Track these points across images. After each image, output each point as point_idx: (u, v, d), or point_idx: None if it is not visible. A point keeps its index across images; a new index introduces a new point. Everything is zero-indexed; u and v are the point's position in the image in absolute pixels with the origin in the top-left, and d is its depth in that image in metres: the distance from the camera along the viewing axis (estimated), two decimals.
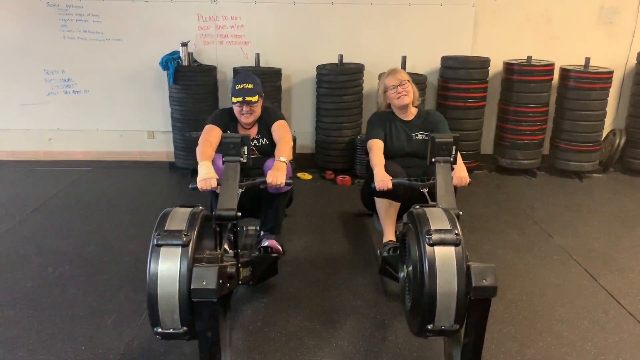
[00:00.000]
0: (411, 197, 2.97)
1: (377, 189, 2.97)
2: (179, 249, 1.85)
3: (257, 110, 3.23)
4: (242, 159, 2.50)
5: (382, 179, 2.97)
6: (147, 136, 5.43)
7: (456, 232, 1.90)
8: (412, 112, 3.48)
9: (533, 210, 4.30)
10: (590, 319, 2.81)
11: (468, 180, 2.97)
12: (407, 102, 3.39)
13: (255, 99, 3.13)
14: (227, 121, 3.27)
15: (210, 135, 3.11)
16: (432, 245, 1.89)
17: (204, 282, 1.79)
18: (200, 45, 5.10)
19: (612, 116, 5.29)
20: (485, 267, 1.83)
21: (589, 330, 2.70)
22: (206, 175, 2.76)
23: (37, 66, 5.15)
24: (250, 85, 3.13)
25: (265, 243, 3.16)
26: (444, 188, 2.36)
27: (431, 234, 1.90)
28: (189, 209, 2.02)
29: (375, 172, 3.08)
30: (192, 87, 4.86)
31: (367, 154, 3.43)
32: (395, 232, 3.19)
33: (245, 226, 3.52)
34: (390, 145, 3.39)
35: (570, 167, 5.03)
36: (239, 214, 2.33)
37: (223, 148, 2.50)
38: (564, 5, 5.06)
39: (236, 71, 4.95)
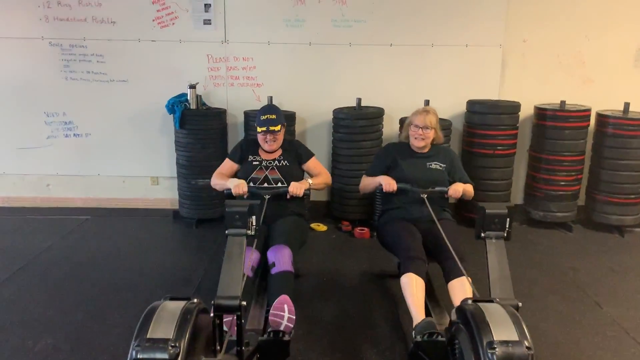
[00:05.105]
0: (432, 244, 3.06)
1: (384, 190, 3.22)
2: None
3: (280, 138, 3.44)
4: (249, 232, 2.11)
5: (388, 182, 3.22)
6: (151, 182, 5.10)
7: (527, 344, 1.48)
8: (427, 147, 3.45)
9: (574, 272, 3.85)
10: None
11: (459, 195, 3.23)
12: (421, 145, 3.37)
13: (278, 128, 3.35)
14: (250, 148, 3.51)
15: (224, 169, 3.49)
16: None
17: None
18: (209, 88, 4.81)
19: None
20: None
21: None
22: (238, 182, 3.23)
23: (36, 108, 4.88)
24: (274, 116, 3.35)
25: (277, 299, 2.67)
26: (498, 271, 1.95)
27: (495, 348, 1.47)
28: (180, 304, 1.61)
29: (379, 179, 3.29)
30: (200, 132, 4.53)
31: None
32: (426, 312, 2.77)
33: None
34: (403, 174, 3.33)
35: (610, 221, 4.59)
36: (244, 303, 1.92)
37: (227, 218, 2.12)
38: (598, 47, 4.73)
39: (247, 114, 4.64)
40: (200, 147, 4.54)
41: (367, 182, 3.44)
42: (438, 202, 3.27)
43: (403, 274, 2.84)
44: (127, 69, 4.78)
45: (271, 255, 2.98)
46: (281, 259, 2.93)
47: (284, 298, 2.67)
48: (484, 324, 1.56)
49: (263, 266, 3.25)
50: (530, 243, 4.41)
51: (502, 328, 1.55)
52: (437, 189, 3.22)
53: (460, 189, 3.22)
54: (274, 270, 2.91)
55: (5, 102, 4.86)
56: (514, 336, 1.52)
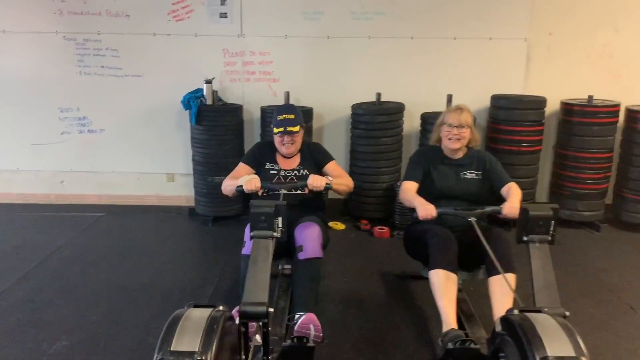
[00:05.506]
0: (467, 248, 2.74)
1: (420, 218, 2.76)
2: None
3: (298, 140, 3.15)
4: (275, 234, 2.00)
5: (426, 208, 2.77)
6: (167, 179, 5.01)
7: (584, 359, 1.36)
8: (462, 152, 3.14)
9: (605, 273, 3.71)
10: None
11: (517, 212, 2.52)
12: (456, 147, 3.06)
13: (296, 129, 3.07)
14: (266, 153, 3.20)
15: (237, 174, 3.08)
16: None
17: None
18: (225, 83, 4.70)
19: None
20: None
21: None
22: (249, 177, 2.88)
23: (50, 103, 4.81)
24: (292, 116, 3.09)
25: (302, 318, 2.55)
26: (543, 279, 1.83)
27: None
28: (206, 312, 1.51)
29: (416, 203, 2.84)
30: (216, 128, 4.44)
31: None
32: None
33: (282, 265, 3.07)
34: (434, 185, 3.03)
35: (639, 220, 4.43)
36: (271, 309, 1.80)
37: (252, 220, 2.01)
38: (627, 39, 4.56)
39: (264, 110, 4.53)
40: (216, 143, 4.45)
41: (406, 197, 2.98)
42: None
43: (432, 268, 2.64)
44: (142, 64, 4.70)
45: (299, 235, 2.75)
46: (310, 241, 2.71)
47: (310, 317, 2.51)
48: (536, 337, 1.43)
49: (282, 271, 3.11)
50: (557, 243, 4.20)
51: (556, 342, 1.42)
52: (488, 209, 2.74)
53: (517, 206, 2.67)
54: (301, 256, 2.70)
55: (19, 97, 4.79)
56: (570, 351, 1.40)
